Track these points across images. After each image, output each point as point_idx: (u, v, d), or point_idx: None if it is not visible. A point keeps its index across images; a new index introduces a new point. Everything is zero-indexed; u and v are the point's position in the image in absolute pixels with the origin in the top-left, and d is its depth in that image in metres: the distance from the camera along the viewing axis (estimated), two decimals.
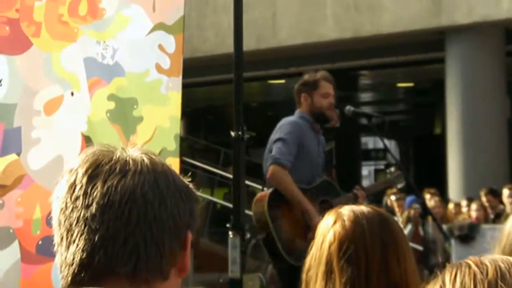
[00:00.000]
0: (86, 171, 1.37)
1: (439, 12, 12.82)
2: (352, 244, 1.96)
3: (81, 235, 1.34)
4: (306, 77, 5.64)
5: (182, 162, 3.41)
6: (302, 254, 5.09)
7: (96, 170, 1.37)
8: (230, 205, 5.17)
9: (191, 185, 1.44)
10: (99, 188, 1.35)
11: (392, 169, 6.19)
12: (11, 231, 2.91)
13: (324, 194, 5.39)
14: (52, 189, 3.12)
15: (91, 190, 1.35)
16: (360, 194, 5.46)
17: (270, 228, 5.14)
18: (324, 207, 5.08)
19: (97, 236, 1.33)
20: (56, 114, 3.06)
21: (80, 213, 1.35)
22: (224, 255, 5.12)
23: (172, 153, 3.34)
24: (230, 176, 5.94)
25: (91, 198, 1.34)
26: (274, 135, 5.44)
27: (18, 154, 2.96)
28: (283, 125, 5.46)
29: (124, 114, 3.24)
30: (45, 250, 2.97)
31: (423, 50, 13.97)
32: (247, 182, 5.81)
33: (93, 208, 1.34)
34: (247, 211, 5.37)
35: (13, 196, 2.93)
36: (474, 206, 10.07)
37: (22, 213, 2.94)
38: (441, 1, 12.78)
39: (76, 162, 1.41)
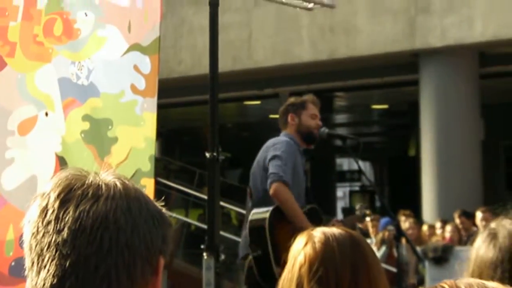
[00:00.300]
0: (58, 196, 1.36)
1: (413, 35, 12.94)
2: (321, 266, 1.96)
3: (52, 260, 1.33)
4: (292, 99, 5.66)
5: (156, 183, 3.41)
6: None
7: (69, 195, 1.35)
8: (205, 226, 5.15)
9: (164, 210, 1.43)
10: (71, 213, 1.33)
11: (358, 205, 6.29)
12: None
13: (313, 220, 5.38)
14: (25, 210, 3.09)
15: (63, 215, 1.34)
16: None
17: (268, 246, 5.10)
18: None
19: (68, 261, 1.32)
20: (30, 134, 3.04)
21: (52, 238, 1.33)
22: (198, 276, 5.09)
23: (147, 174, 3.33)
24: (205, 197, 5.91)
25: (62, 223, 1.33)
26: (267, 153, 5.38)
27: None
28: (277, 144, 5.41)
29: (98, 134, 3.23)
30: (18, 271, 2.94)
31: (397, 72, 14.08)
32: (222, 203, 5.79)
33: (65, 233, 1.32)
34: (222, 233, 5.35)
35: None
36: (448, 227, 10.12)
37: None
38: (415, 24, 12.90)
39: (48, 186, 1.39)
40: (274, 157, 5.31)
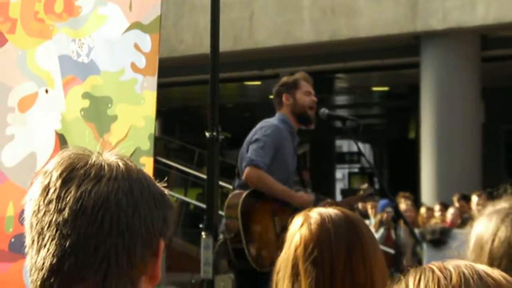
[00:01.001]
0: (60, 175, 1.36)
1: (415, 17, 12.90)
2: (316, 247, 1.98)
3: (52, 240, 1.33)
4: (284, 78, 5.61)
5: (156, 162, 3.41)
6: (266, 262, 5.08)
7: (71, 174, 1.35)
8: (204, 206, 5.16)
9: (166, 191, 1.43)
10: (72, 192, 1.33)
11: (365, 186, 6.22)
12: None
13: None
14: (24, 187, 3.10)
15: (64, 194, 1.34)
16: None
17: (240, 230, 5.10)
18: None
19: (68, 242, 1.32)
20: (30, 111, 3.04)
21: (52, 217, 1.34)
22: (196, 255, 5.11)
23: (146, 153, 3.33)
24: (204, 176, 5.92)
25: (64, 203, 1.33)
26: (253, 136, 5.37)
27: None
28: (263, 127, 5.38)
29: (98, 112, 3.23)
30: (18, 247, 2.95)
31: (398, 54, 14.05)
32: (221, 183, 5.80)
33: (66, 213, 1.33)
34: (220, 212, 5.37)
35: None
36: (451, 210, 10.13)
37: None
38: (417, 6, 12.86)
39: (51, 164, 1.39)
40: (254, 141, 5.29)
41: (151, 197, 1.38)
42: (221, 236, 5.06)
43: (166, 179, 1.51)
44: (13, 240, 2.96)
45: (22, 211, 3.03)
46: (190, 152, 17.90)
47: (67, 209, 1.33)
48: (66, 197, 1.33)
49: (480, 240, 1.81)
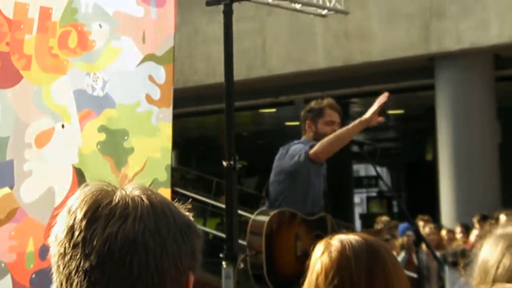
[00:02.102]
0: (85, 214, 1.34)
1: (428, 39, 12.90)
2: (337, 275, 1.97)
3: (81, 286, 1.31)
4: (312, 104, 5.62)
5: (173, 193, 3.41)
6: (284, 283, 5.06)
7: (96, 214, 1.33)
8: (223, 235, 5.14)
9: (191, 217, 1.41)
10: (98, 235, 1.31)
11: (384, 218, 6.19)
12: (2, 265, 2.89)
13: (322, 229, 5.37)
14: (44, 222, 3.10)
15: (90, 237, 1.31)
16: None
17: (262, 248, 5.10)
18: (317, 242, 5.05)
19: None
20: (47, 146, 3.05)
21: (80, 262, 1.31)
22: (217, 285, 5.09)
23: (164, 184, 3.33)
24: (223, 205, 5.91)
25: (90, 247, 1.31)
26: (284, 154, 5.37)
27: (11, 188, 2.94)
28: (295, 144, 5.42)
29: (115, 145, 3.23)
30: (39, 283, 2.95)
31: (413, 77, 14.03)
32: (239, 211, 5.79)
33: (93, 258, 1.31)
34: (240, 241, 5.35)
35: (6, 229, 2.90)
36: (475, 231, 10.02)
37: (15, 247, 2.92)
38: (430, 28, 12.86)
39: (74, 201, 1.37)
40: (290, 155, 5.31)
41: (178, 232, 1.36)
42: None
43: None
44: (34, 276, 2.95)
45: (42, 246, 3.04)
46: (207, 182, 17.89)
47: (94, 253, 1.30)
48: (93, 240, 1.31)
49: (485, 265, 1.80)
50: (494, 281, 1.74)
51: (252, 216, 5.32)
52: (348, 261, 1.98)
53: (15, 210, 2.92)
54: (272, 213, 5.20)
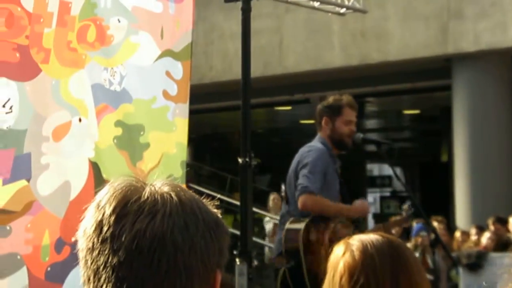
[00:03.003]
0: (114, 210, 1.33)
1: (446, 40, 12.85)
2: (362, 274, 1.95)
3: (108, 282, 1.31)
4: (331, 99, 5.52)
5: (188, 188, 3.41)
6: None
7: (124, 210, 1.33)
8: (237, 232, 5.14)
9: (219, 214, 1.41)
10: (127, 231, 1.31)
11: (406, 206, 6.13)
12: (18, 257, 2.90)
13: (351, 231, 5.34)
14: (59, 216, 3.11)
15: (119, 233, 1.31)
16: None
17: (301, 258, 5.06)
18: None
19: (125, 285, 1.30)
20: (64, 140, 3.06)
21: (108, 257, 1.31)
22: (230, 282, 5.09)
23: (178, 180, 3.34)
24: (237, 202, 5.90)
25: (119, 243, 1.31)
26: (301, 161, 5.34)
27: (28, 180, 2.95)
28: (311, 151, 5.36)
29: (131, 140, 3.24)
30: (54, 276, 2.96)
31: (429, 77, 13.98)
32: (253, 209, 5.78)
33: (121, 254, 1.30)
34: (254, 239, 5.34)
35: (22, 222, 2.91)
36: (486, 234, 9.99)
37: (31, 239, 2.93)
38: (448, 29, 12.81)
39: (103, 195, 1.37)
40: (304, 166, 5.27)
41: (206, 230, 1.35)
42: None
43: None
44: (49, 269, 2.96)
45: (58, 240, 3.05)
46: (221, 178, 17.91)
47: (122, 249, 1.30)
48: (121, 236, 1.31)
49: None
50: None
51: (286, 226, 5.26)
52: (372, 259, 1.97)
53: (32, 203, 2.94)
54: (306, 221, 5.13)
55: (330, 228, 5.18)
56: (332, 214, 5.21)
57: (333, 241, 5.13)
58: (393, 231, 10.73)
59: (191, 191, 1.41)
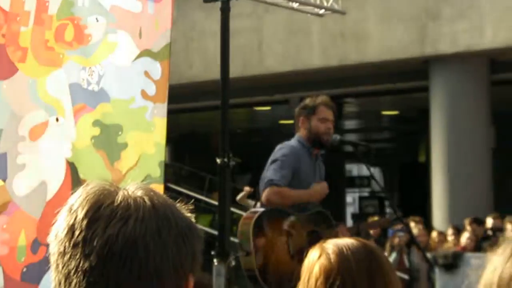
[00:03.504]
0: (86, 214, 1.32)
1: (424, 41, 12.91)
2: (338, 275, 1.95)
3: (79, 286, 1.30)
4: (307, 101, 5.61)
5: (166, 189, 3.40)
6: (279, 282, 5.09)
7: (97, 214, 1.32)
8: (215, 232, 5.14)
9: (192, 218, 1.40)
10: (99, 235, 1.30)
11: (390, 209, 6.20)
12: None
13: (316, 224, 5.37)
14: (36, 216, 3.08)
15: (91, 237, 1.30)
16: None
17: (251, 248, 5.10)
18: (312, 238, 5.07)
19: None
20: (40, 139, 3.04)
21: (79, 262, 1.30)
22: (208, 282, 5.09)
23: (157, 180, 3.32)
24: (215, 202, 5.91)
25: (90, 247, 1.30)
26: (271, 158, 5.43)
27: (4, 180, 2.93)
28: (282, 148, 5.46)
29: (108, 140, 3.22)
30: (30, 277, 2.94)
31: (408, 78, 14.05)
32: (232, 209, 5.79)
33: (93, 258, 1.29)
34: (232, 239, 5.35)
35: None
36: (466, 234, 10.05)
37: (7, 240, 2.91)
38: (426, 30, 12.88)
39: (75, 199, 1.36)
40: (272, 162, 5.36)
41: (179, 235, 1.35)
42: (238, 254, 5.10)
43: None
44: (25, 269, 2.94)
45: (34, 240, 3.03)
46: (200, 178, 17.88)
47: (94, 254, 1.29)
48: (93, 241, 1.30)
49: (489, 276, 1.79)
50: None
51: (243, 217, 5.34)
52: (349, 262, 1.98)
53: (7, 203, 2.92)
54: (259, 213, 5.21)
55: (284, 222, 5.25)
56: (295, 200, 5.27)
57: (290, 235, 5.19)
58: (371, 232, 10.79)
59: (164, 196, 1.41)
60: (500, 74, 13.43)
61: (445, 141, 12.86)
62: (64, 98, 3.12)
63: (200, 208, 15.55)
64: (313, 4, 7.61)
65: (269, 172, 5.31)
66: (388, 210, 7.06)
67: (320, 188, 5.47)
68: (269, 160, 5.44)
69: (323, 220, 5.46)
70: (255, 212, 5.28)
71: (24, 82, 3.02)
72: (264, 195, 5.24)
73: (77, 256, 1.31)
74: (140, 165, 3.29)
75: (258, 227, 5.16)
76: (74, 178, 3.08)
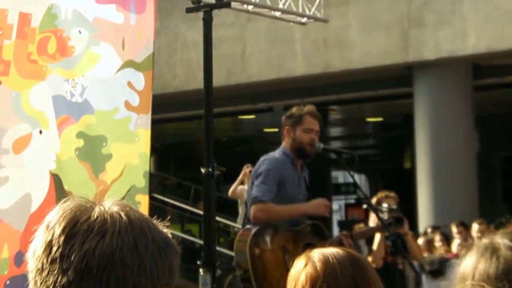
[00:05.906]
0: (63, 230, 1.34)
1: (407, 48, 12.98)
2: (324, 283, 1.97)
3: None
4: (293, 110, 5.58)
5: (152, 199, 3.41)
6: None
7: (74, 230, 1.34)
8: (201, 242, 5.13)
9: (169, 234, 1.42)
10: (76, 250, 1.32)
11: (385, 214, 6.17)
12: None
13: (310, 237, 5.35)
14: (19, 229, 3.07)
15: (68, 252, 1.32)
16: (347, 242, 5.43)
17: (249, 266, 5.06)
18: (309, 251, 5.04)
19: None
20: (24, 152, 3.04)
21: (57, 277, 1.32)
22: None
23: (142, 190, 3.33)
24: (201, 212, 5.90)
25: (68, 262, 1.31)
26: (256, 170, 5.38)
27: None
28: (265, 160, 5.39)
29: (93, 151, 3.22)
30: None
31: (391, 85, 14.10)
32: (217, 218, 5.78)
33: (70, 273, 1.31)
34: (218, 248, 5.34)
35: None
36: (457, 241, 10.04)
37: None
38: (409, 37, 12.94)
39: (53, 216, 1.37)
40: (257, 176, 5.31)
41: (156, 249, 1.36)
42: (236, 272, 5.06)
43: (168, 217, 1.49)
44: (8, 282, 2.93)
45: (18, 253, 3.02)
46: (186, 188, 17.86)
47: (71, 269, 1.31)
48: (70, 256, 1.31)
49: (463, 274, 1.83)
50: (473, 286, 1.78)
51: (238, 235, 5.27)
52: (334, 269, 1.99)
53: None
54: (253, 231, 5.15)
55: (279, 238, 5.21)
56: (285, 217, 5.23)
57: (286, 250, 5.16)
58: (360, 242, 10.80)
59: (140, 211, 1.42)
60: (483, 79, 13.52)
61: (430, 147, 12.91)
62: (47, 110, 3.12)
63: (185, 218, 15.54)
64: (296, 13, 7.63)
65: (254, 188, 5.26)
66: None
67: (317, 202, 5.41)
68: (253, 174, 5.40)
69: (316, 232, 5.43)
70: (249, 230, 5.22)
71: (8, 95, 3.02)
72: (251, 213, 5.20)
73: (55, 272, 1.32)
74: (125, 176, 3.29)
75: (254, 245, 5.12)
76: (59, 190, 3.07)
